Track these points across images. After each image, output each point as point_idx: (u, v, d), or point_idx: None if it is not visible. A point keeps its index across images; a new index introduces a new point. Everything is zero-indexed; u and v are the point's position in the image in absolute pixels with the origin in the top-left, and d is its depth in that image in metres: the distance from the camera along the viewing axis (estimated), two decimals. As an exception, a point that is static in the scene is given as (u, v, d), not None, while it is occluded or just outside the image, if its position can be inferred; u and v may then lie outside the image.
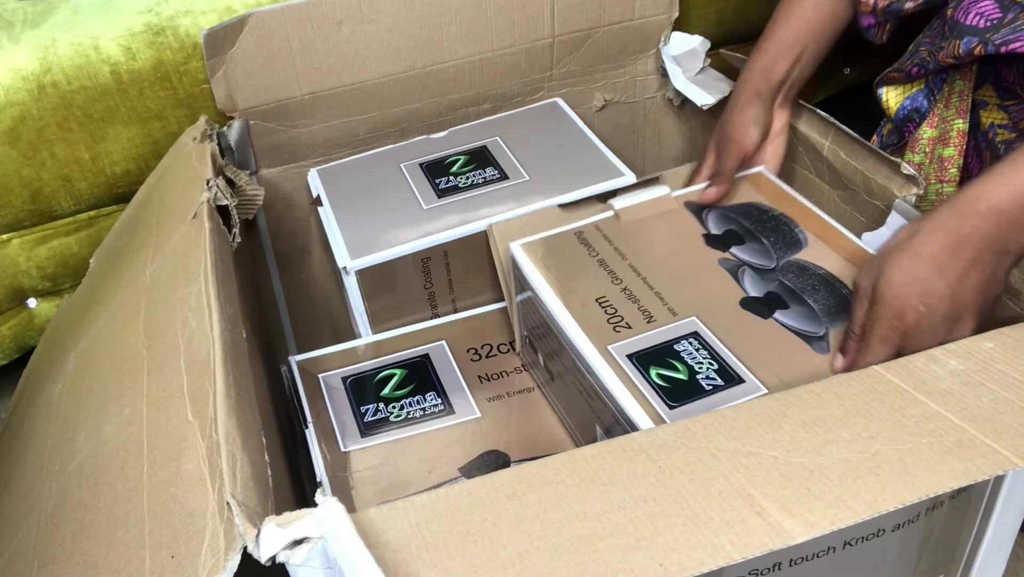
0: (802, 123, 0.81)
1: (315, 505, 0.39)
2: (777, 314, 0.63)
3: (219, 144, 0.79)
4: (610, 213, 0.74)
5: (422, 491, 0.66)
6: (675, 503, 0.39)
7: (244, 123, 0.84)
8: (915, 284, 0.55)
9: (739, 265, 0.67)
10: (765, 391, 0.57)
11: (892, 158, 0.71)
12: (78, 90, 0.81)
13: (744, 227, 0.71)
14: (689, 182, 0.80)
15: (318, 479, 0.66)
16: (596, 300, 0.65)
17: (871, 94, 0.83)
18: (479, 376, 0.75)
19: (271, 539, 0.38)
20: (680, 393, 0.57)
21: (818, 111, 0.79)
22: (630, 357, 0.60)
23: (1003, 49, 0.65)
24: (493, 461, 0.68)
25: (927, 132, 0.77)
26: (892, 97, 0.80)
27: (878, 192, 0.73)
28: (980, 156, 0.74)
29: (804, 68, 0.78)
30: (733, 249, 0.69)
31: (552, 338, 0.67)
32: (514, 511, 0.40)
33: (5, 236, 0.87)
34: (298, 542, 0.38)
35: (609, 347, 0.61)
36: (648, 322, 0.62)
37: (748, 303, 0.64)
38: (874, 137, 0.84)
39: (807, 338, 0.61)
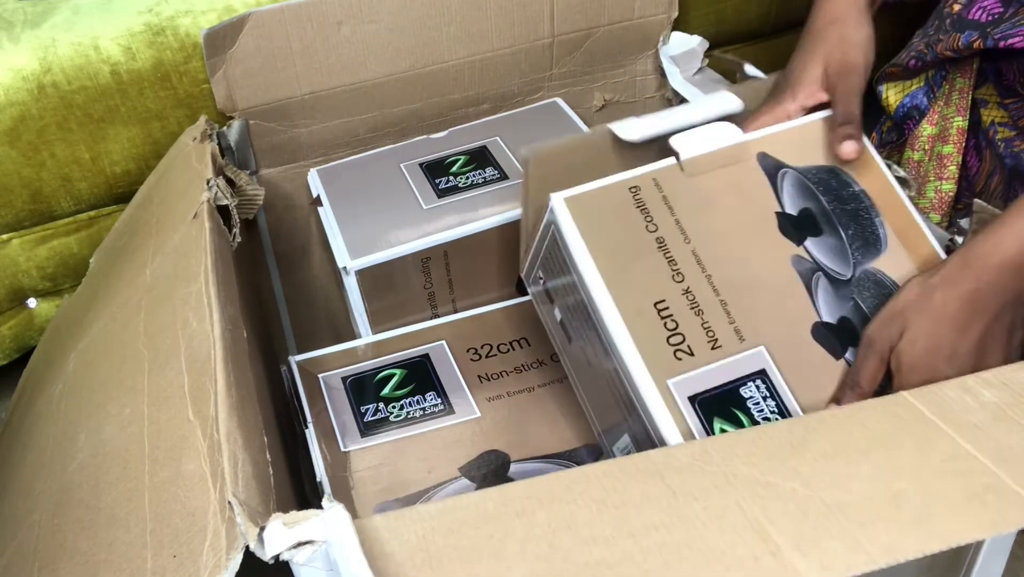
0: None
1: (319, 507, 0.39)
2: (849, 353, 0.58)
3: (219, 144, 0.79)
4: (672, 162, 0.62)
5: (422, 491, 0.66)
6: (687, 533, 0.38)
7: (244, 123, 0.84)
8: (941, 349, 0.54)
9: (814, 270, 0.60)
10: None
11: (884, 161, 0.71)
12: (78, 90, 0.81)
13: (822, 207, 0.63)
14: (760, 117, 0.66)
15: (318, 479, 0.66)
16: (655, 305, 0.56)
17: (870, 93, 0.83)
18: (479, 376, 0.75)
19: (276, 537, 0.38)
20: None
21: None
22: (692, 400, 0.53)
23: (1002, 44, 0.65)
24: (493, 461, 0.68)
25: (927, 129, 0.77)
26: (892, 94, 0.80)
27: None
28: (980, 154, 0.74)
29: None
30: (808, 243, 0.61)
31: (588, 323, 0.59)
32: (522, 530, 0.39)
33: (5, 236, 0.87)
34: (303, 542, 0.38)
35: (669, 382, 0.54)
36: (713, 349, 0.55)
37: (820, 332, 0.58)
38: (873, 134, 0.84)
39: (876, 394, 0.55)
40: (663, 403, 0.53)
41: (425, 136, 0.92)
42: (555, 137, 0.88)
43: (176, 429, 0.48)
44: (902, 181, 0.69)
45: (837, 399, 0.57)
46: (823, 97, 0.66)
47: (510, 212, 0.79)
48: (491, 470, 0.67)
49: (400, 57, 0.86)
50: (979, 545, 0.54)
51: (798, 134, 0.65)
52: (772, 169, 0.64)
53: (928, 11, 0.79)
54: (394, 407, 0.73)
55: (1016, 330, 0.55)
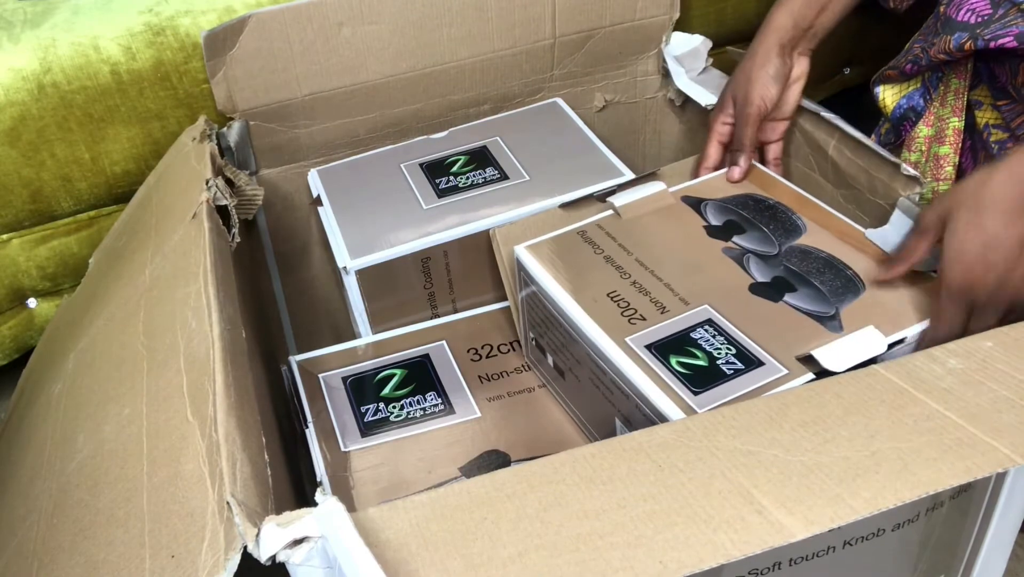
0: (807, 122, 0.81)
1: (315, 504, 0.39)
2: (787, 297, 0.64)
3: (219, 144, 0.79)
4: (610, 212, 0.75)
5: (422, 491, 0.66)
6: (675, 501, 0.39)
7: (244, 124, 0.84)
8: (982, 235, 0.55)
9: (743, 253, 0.68)
10: (785, 371, 0.57)
11: (893, 159, 0.71)
12: (78, 90, 0.81)
13: (743, 216, 0.72)
14: (699, 163, 0.81)
15: (318, 479, 0.66)
16: (608, 295, 0.65)
17: (867, 95, 0.83)
18: (479, 376, 0.75)
19: (271, 538, 0.38)
20: (703, 379, 0.57)
21: (823, 111, 0.79)
22: (649, 348, 0.60)
23: (992, 44, 0.66)
24: (493, 461, 0.68)
25: (923, 130, 0.77)
26: (888, 96, 0.80)
27: (881, 191, 0.73)
28: (975, 156, 0.74)
29: (831, 17, 0.77)
30: (735, 238, 0.70)
31: (563, 336, 0.67)
32: (514, 510, 0.40)
33: (5, 236, 0.87)
34: (298, 541, 0.38)
35: (627, 339, 0.61)
36: (662, 313, 0.63)
37: (757, 288, 0.65)
38: (872, 136, 0.84)
39: (819, 318, 0.61)
40: (624, 354, 0.60)
41: (425, 136, 0.92)
42: (555, 138, 0.88)
43: (175, 429, 0.48)
44: (912, 179, 0.70)
45: (881, 275, 0.63)
46: (729, 122, 0.80)
47: (510, 212, 0.79)
48: (491, 470, 0.67)
49: (401, 58, 0.86)
50: (979, 544, 0.54)
51: (713, 181, 0.78)
52: (695, 203, 0.75)
53: (926, 14, 0.79)
54: (394, 407, 0.73)
55: None
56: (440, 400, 0.73)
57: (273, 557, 0.38)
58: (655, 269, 0.67)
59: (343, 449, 0.69)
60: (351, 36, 0.83)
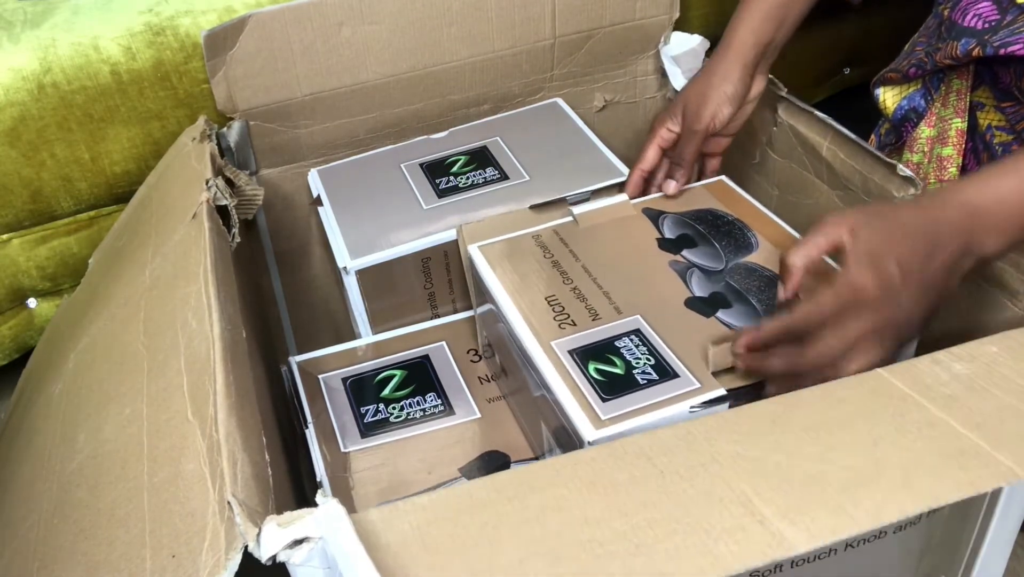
0: (801, 123, 0.81)
1: (315, 505, 0.39)
2: (720, 313, 0.64)
3: (219, 144, 0.79)
4: (569, 219, 0.75)
5: (422, 491, 0.66)
6: (676, 508, 0.39)
7: (244, 124, 0.84)
8: (890, 244, 0.53)
9: (688, 267, 0.68)
10: (697, 385, 0.57)
11: (888, 160, 0.71)
12: (78, 90, 0.81)
13: (698, 231, 0.72)
14: (635, 164, 0.79)
15: (318, 479, 0.66)
16: (545, 298, 0.66)
17: (867, 95, 0.83)
18: (479, 377, 0.75)
19: (272, 538, 0.38)
20: (615, 387, 0.58)
21: (816, 112, 0.79)
22: (571, 352, 0.61)
23: (1002, 51, 0.65)
24: (493, 461, 0.68)
25: (925, 131, 0.77)
26: (889, 97, 0.80)
27: (876, 192, 0.73)
28: (978, 158, 0.74)
29: (788, 31, 0.77)
30: (684, 252, 0.70)
31: (501, 335, 0.68)
32: (515, 514, 0.39)
33: (5, 236, 0.87)
34: (299, 542, 0.38)
35: (552, 343, 0.62)
36: (593, 320, 0.64)
37: (692, 302, 0.65)
38: (872, 137, 0.84)
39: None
40: (545, 356, 0.61)
41: (425, 136, 0.92)
42: (555, 138, 0.88)
43: (175, 429, 0.48)
44: (908, 180, 0.69)
45: (786, 257, 0.57)
46: (675, 131, 0.78)
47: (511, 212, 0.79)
48: (491, 471, 0.67)
49: (401, 58, 0.86)
50: (979, 544, 0.54)
51: (677, 195, 0.78)
52: (654, 215, 0.75)
53: (919, 10, 0.79)
54: (394, 408, 0.73)
55: (953, 279, 0.55)
56: (440, 401, 0.73)
57: (273, 557, 0.38)
58: (598, 277, 0.68)
59: (343, 450, 0.69)
60: (351, 36, 0.83)
